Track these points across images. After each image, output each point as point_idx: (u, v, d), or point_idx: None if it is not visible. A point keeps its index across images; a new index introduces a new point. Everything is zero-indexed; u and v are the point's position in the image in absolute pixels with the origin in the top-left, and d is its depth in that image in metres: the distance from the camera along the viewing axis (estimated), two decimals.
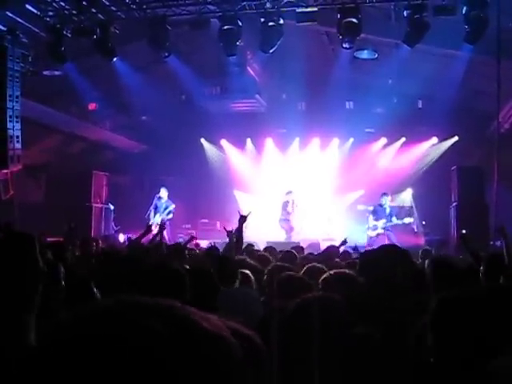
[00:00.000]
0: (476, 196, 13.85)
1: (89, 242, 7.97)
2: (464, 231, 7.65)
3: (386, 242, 13.60)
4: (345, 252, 8.62)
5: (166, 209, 15.15)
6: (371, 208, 15.40)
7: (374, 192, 15.96)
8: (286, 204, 15.46)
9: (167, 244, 8.29)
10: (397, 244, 13.34)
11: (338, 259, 7.31)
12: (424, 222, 16.03)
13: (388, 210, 14.43)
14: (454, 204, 14.34)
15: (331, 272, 4.01)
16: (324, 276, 3.90)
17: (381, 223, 14.20)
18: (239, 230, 6.74)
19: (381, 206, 14.54)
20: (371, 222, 14.45)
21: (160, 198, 15.27)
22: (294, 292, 2.91)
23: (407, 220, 14.66)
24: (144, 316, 0.73)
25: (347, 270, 4.09)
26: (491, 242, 11.76)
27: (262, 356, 1.13)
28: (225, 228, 7.09)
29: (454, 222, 14.05)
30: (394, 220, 14.29)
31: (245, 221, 6.84)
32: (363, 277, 4.13)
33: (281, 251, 7.73)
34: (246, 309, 3.82)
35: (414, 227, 15.93)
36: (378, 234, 14.17)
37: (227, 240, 6.88)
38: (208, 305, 3.58)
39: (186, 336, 0.73)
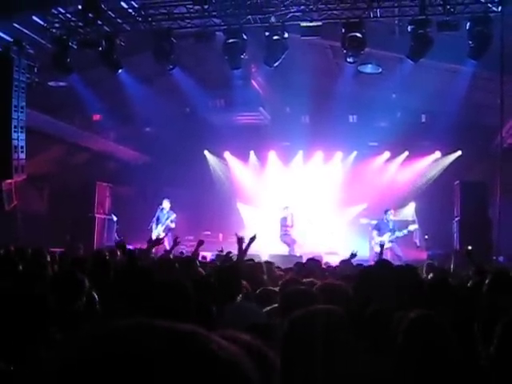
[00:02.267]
0: (479, 210, 13.79)
1: (102, 253, 7.84)
2: (470, 247, 7.62)
3: (388, 255, 13.54)
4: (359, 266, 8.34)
5: (167, 219, 15.22)
6: (374, 222, 15.33)
7: (377, 206, 15.94)
8: (284, 219, 15.30)
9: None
10: (401, 255, 13.38)
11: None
12: (426, 236, 15.96)
13: (391, 225, 14.41)
14: (457, 218, 14.29)
15: (322, 283, 4.01)
16: (316, 286, 3.90)
17: (386, 237, 14.16)
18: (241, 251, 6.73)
19: (384, 221, 14.53)
20: (376, 238, 14.38)
21: (162, 209, 15.32)
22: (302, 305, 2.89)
23: (412, 227, 14.64)
24: (158, 343, 0.72)
25: (339, 282, 4.07)
26: (494, 257, 11.71)
27: (274, 371, 1.13)
28: (236, 234, 7.06)
29: (457, 236, 14.00)
30: (397, 233, 14.27)
31: (250, 242, 6.89)
32: (360, 291, 4.13)
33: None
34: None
35: (417, 241, 15.87)
36: (385, 249, 14.06)
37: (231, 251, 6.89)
38: (209, 319, 3.59)
39: (201, 365, 0.71)
